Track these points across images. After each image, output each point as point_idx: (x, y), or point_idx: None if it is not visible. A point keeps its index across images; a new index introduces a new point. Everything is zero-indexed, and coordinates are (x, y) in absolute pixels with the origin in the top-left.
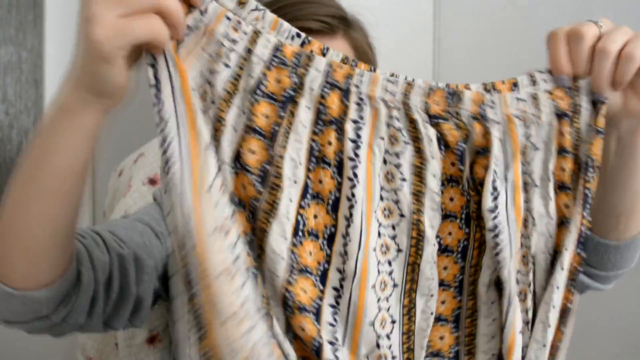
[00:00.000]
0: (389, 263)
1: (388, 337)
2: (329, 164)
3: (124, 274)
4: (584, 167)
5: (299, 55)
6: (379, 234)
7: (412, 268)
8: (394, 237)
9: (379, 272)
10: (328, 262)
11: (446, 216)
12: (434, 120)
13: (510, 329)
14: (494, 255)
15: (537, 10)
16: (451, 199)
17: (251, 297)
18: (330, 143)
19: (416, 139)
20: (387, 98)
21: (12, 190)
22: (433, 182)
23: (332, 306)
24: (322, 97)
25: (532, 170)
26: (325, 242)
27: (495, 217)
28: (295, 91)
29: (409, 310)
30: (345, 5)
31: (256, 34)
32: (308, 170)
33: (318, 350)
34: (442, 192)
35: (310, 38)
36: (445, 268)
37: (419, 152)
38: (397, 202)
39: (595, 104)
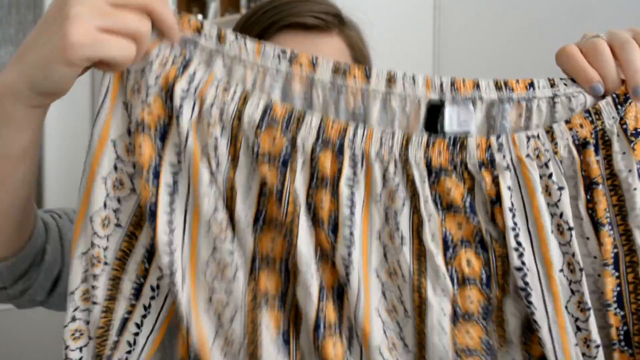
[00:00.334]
0: (399, 326)
1: None
2: (322, 224)
3: None
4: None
5: (290, 114)
6: (385, 296)
7: (420, 335)
8: (401, 301)
9: (385, 333)
10: (341, 321)
11: (465, 281)
12: (434, 176)
13: None
14: (531, 317)
15: (537, 8)
16: (468, 263)
17: None
18: (322, 202)
19: (414, 196)
20: (384, 152)
21: None
22: (432, 244)
23: None
24: (315, 155)
25: (563, 211)
26: (337, 300)
27: (524, 276)
28: (292, 148)
29: None
30: (345, 4)
31: (245, 94)
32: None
33: None
34: (455, 258)
35: (297, 52)
36: (467, 332)
37: (417, 211)
38: (400, 263)
39: (621, 117)
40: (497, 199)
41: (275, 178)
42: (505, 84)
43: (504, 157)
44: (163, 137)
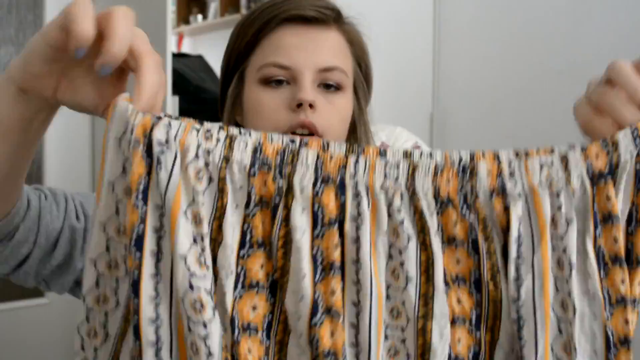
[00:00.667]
0: None
1: None
2: (341, 269)
3: (70, 248)
4: None
5: (283, 152)
6: (387, 337)
7: None
8: (403, 341)
9: None
10: None
11: (453, 321)
12: (440, 206)
13: None
14: (519, 350)
15: (537, 8)
16: (458, 301)
17: None
18: (336, 246)
19: (422, 230)
20: (389, 185)
21: None
22: (439, 281)
23: None
24: (317, 195)
25: (567, 246)
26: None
27: (519, 308)
28: (287, 194)
29: None
30: (345, 4)
31: (230, 138)
32: (314, 283)
33: None
34: (447, 294)
35: (306, 140)
36: None
37: (425, 246)
38: (403, 302)
39: None
40: (507, 229)
41: (269, 226)
42: (526, 153)
43: (516, 184)
44: (145, 197)
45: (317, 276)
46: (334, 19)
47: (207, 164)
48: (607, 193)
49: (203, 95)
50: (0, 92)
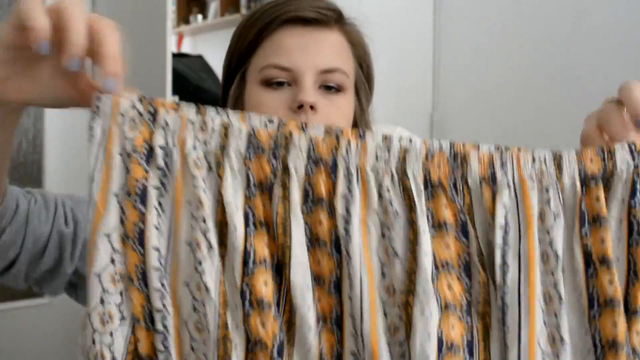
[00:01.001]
0: (400, 345)
1: None
2: (325, 244)
3: (59, 254)
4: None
5: (277, 137)
6: (385, 314)
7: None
8: (400, 317)
9: (391, 355)
10: (341, 344)
11: (446, 307)
12: (430, 191)
13: None
14: (502, 337)
15: (537, 8)
16: (449, 287)
17: None
18: (321, 222)
19: (411, 209)
20: (379, 166)
21: None
22: (425, 263)
23: None
24: (308, 175)
25: (553, 240)
26: (334, 326)
27: (504, 295)
28: (282, 174)
29: None
30: (347, 6)
31: (225, 127)
32: (308, 252)
33: None
34: (437, 279)
35: (284, 120)
36: None
37: (412, 224)
38: (394, 280)
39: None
40: (493, 217)
41: (269, 207)
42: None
43: (506, 174)
44: (144, 200)
45: (310, 249)
46: (335, 19)
47: (205, 154)
48: (597, 195)
49: (203, 95)
50: None
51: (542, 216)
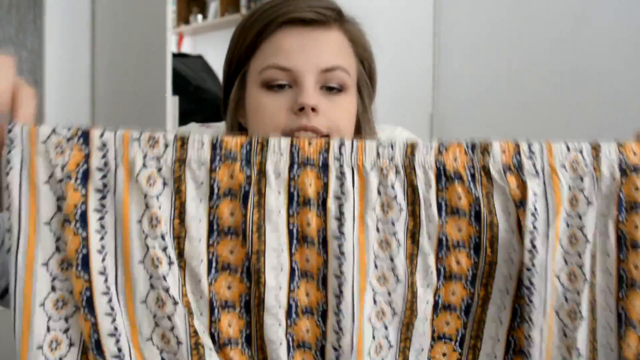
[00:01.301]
0: (385, 327)
1: None
2: (313, 243)
3: None
4: None
5: (249, 144)
6: (375, 302)
7: (407, 327)
8: (389, 303)
9: (374, 337)
10: (324, 338)
11: (451, 277)
12: (445, 181)
13: None
14: (528, 313)
15: (537, 9)
16: (457, 262)
17: None
18: (309, 223)
19: (412, 202)
20: (382, 163)
21: None
22: (427, 244)
23: None
24: (293, 179)
25: (584, 225)
26: (320, 319)
27: (532, 276)
28: (258, 181)
29: None
30: (347, 6)
31: (182, 140)
32: (291, 253)
33: None
34: (447, 256)
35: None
36: (447, 323)
37: (413, 215)
38: (393, 268)
39: None
40: (521, 203)
41: (240, 215)
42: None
43: (535, 164)
44: (85, 222)
45: (293, 247)
46: (335, 18)
47: (159, 170)
48: (637, 184)
49: (203, 95)
50: None
51: (574, 202)
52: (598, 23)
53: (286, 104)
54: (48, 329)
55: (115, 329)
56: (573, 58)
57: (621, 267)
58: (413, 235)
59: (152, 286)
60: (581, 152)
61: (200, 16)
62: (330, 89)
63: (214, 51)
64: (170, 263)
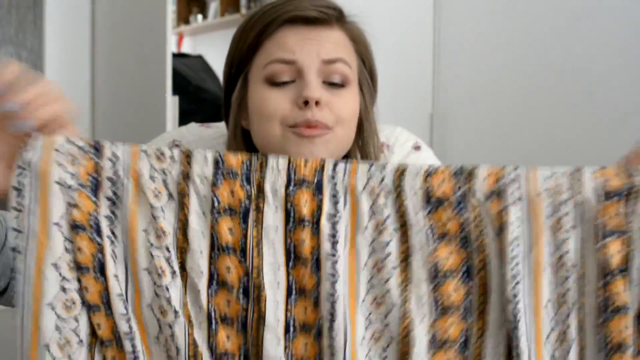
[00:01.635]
0: (384, 349)
1: None
2: (306, 261)
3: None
4: None
5: (249, 161)
6: (370, 322)
7: (404, 357)
8: (386, 326)
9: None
10: (320, 356)
11: (446, 309)
12: (431, 206)
13: None
14: (515, 346)
15: (537, 8)
16: (452, 291)
17: None
18: (304, 241)
19: (403, 225)
20: (373, 185)
21: None
22: (420, 272)
23: None
24: (289, 196)
25: (569, 250)
26: (316, 337)
27: (516, 304)
28: (257, 198)
29: None
30: (347, 5)
31: (187, 155)
32: (288, 271)
33: None
34: (440, 286)
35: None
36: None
37: (405, 238)
38: (387, 291)
39: None
40: (501, 230)
41: (239, 231)
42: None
43: (518, 189)
44: (99, 230)
45: (290, 264)
46: (336, 17)
47: (164, 182)
48: (618, 210)
49: (203, 95)
50: None
51: (557, 227)
52: (598, 21)
53: (290, 98)
54: (57, 328)
55: (130, 328)
56: (573, 57)
57: (604, 293)
58: (406, 259)
59: (156, 294)
60: (562, 177)
61: (200, 16)
62: (333, 85)
63: (214, 51)
64: (173, 274)
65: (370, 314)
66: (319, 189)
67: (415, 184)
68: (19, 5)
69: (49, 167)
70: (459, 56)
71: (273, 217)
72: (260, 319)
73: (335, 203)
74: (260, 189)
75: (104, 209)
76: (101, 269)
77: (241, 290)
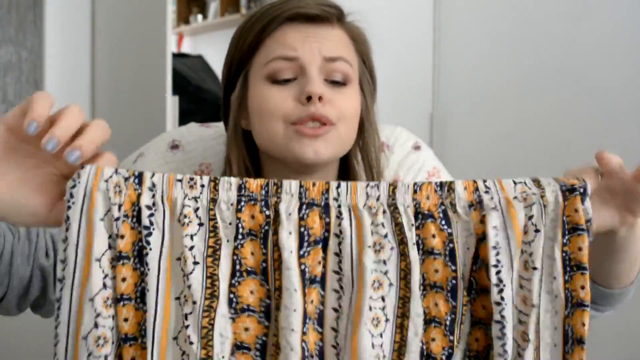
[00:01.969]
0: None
1: None
2: (319, 283)
3: (44, 284)
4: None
5: (267, 186)
6: (372, 345)
7: None
8: (380, 345)
9: None
10: None
11: (429, 321)
12: (420, 220)
13: None
14: (500, 346)
15: (537, 8)
16: (435, 304)
17: None
18: (319, 262)
19: (402, 241)
20: (371, 204)
21: None
22: (415, 288)
23: None
24: (302, 219)
25: (532, 252)
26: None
27: (502, 310)
28: (273, 222)
29: None
30: (346, 5)
31: (214, 181)
32: (304, 294)
33: None
34: (424, 299)
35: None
36: None
37: (404, 255)
38: (383, 308)
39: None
40: (483, 238)
41: (260, 254)
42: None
43: (492, 198)
44: (140, 259)
45: (305, 289)
46: (337, 16)
47: (195, 210)
48: (576, 206)
49: (203, 95)
50: None
51: (525, 230)
52: (598, 22)
53: (292, 95)
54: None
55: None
56: (574, 57)
57: (567, 288)
58: (405, 277)
59: (183, 324)
60: (525, 183)
61: (200, 16)
62: (334, 83)
63: (214, 51)
64: (194, 303)
65: (372, 335)
66: (326, 210)
67: (407, 199)
68: (19, 5)
69: (95, 201)
70: (459, 56)
71: (287, 240)
72: (279, 349)
73: (340, 223)
74: (277, 212)
75: (143, 237)
76: (142, 299)
77: (264, 313)
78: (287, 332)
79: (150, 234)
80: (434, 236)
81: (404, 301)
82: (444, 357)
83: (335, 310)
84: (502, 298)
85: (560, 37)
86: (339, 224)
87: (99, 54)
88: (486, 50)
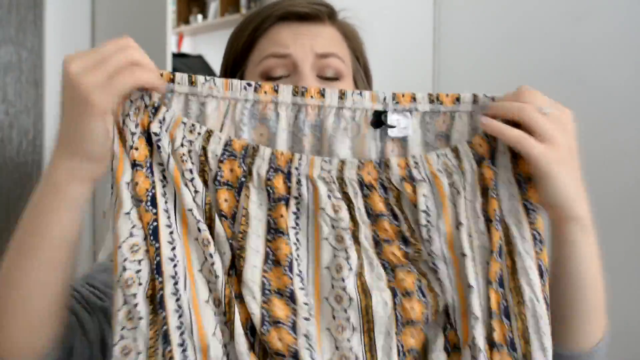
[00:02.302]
0: (348, 340)
1: None
2: (283, 233)
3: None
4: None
5: (246, 148)
6: (333, 287)
7: (367, 324)
8: (347, 319)
9: (337, 349)
10: (295, 314)
11: (394, 267)
12: (365, 190)
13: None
14: (440, 286)
15: (537, 8)
16: (392, 254)
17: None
18: (282, 216)
19: (349, 206)
20: (324, 176)
21: (8, 261)
22: (365, 243)
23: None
24: (269, 179)
25: (459, 212)
26: (289, 299)
27: (434, 260)
28: (246, 177)
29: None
30: (347, 6)
31: (208, 133)
32: (267, 240)
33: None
34: (382, 251)
35: (260, 83)
36: (412, 308)
37: (352, 219)
38: (347, 258)
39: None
40: (415, 205)
41: (234, 202)
42: (437, 97)
43: (420, 172)
44: (152, 171)
45: (270, 236)
46: (328, 14)
47: (189, 151)
48: (484, 172)
49: None
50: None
51: (452, 196)
52: (598, 22)
53: None
54: (131, 235)
55: (174, 256)
56: (574, 57)
57: (488, 240)
58: (355, 234)
59: (206, 259)
60: (446, 155)
61: (200, 16)
62: (327, 79)
63: (214, 51)
64: (207, 240)
65: (332, 278)
66: (288, 176)
67: (351, 174)
68: (19, 5)
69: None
70: (459, 56)
71: (256, 195)
72: (241, 276)
73: (299, 188)
74: (249, 172)
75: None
76: (153, 203)
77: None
78: (250, 268)
79: (158, 153)
80: (378, 202)
81: (359, 254)
82: (417, 288)
83: (296, 259)
84: (432, 251)
85: (560, 37)
86: (299, 189)
87: None
88: (486, 50)
